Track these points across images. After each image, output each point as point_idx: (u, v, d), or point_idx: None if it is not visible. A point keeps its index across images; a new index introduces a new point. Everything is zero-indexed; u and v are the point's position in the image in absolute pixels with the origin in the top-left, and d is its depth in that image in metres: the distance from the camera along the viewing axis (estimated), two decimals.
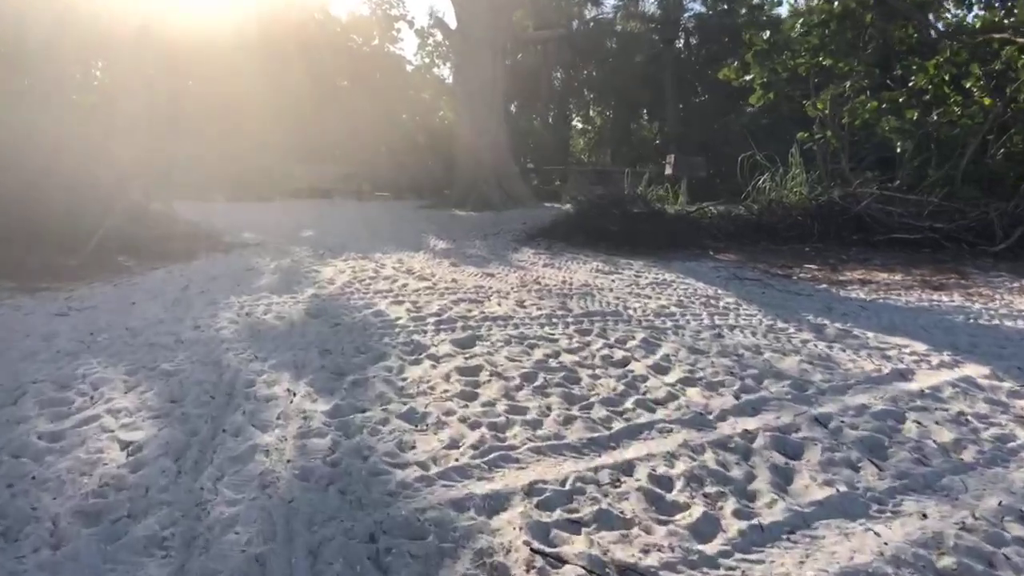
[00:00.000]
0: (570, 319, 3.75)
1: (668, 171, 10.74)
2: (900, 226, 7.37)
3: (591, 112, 30.71)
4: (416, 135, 26.05)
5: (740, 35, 24.02)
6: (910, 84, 9.45)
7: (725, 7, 25.96)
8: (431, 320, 3.60)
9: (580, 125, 31.78)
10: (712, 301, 4.38)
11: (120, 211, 5.51)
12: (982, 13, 8.63)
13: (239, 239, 7.01)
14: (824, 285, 5.18)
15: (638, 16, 27.84)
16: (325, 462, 1.94)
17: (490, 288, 4.58)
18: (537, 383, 2.67)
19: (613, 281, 4.99)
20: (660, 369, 2.94)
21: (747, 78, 8.80)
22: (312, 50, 20.19)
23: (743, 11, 24.88)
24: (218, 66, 16.83)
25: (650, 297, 4.46)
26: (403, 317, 3.66)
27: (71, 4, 9.05)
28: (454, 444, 2.09)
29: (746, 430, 2.27)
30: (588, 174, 13.72)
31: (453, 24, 12.98)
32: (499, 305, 4.03)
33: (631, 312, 3.97)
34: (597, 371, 2.87)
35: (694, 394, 2.62)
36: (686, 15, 26.82)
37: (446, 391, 2.55)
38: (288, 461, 1.93)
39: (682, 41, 27.36)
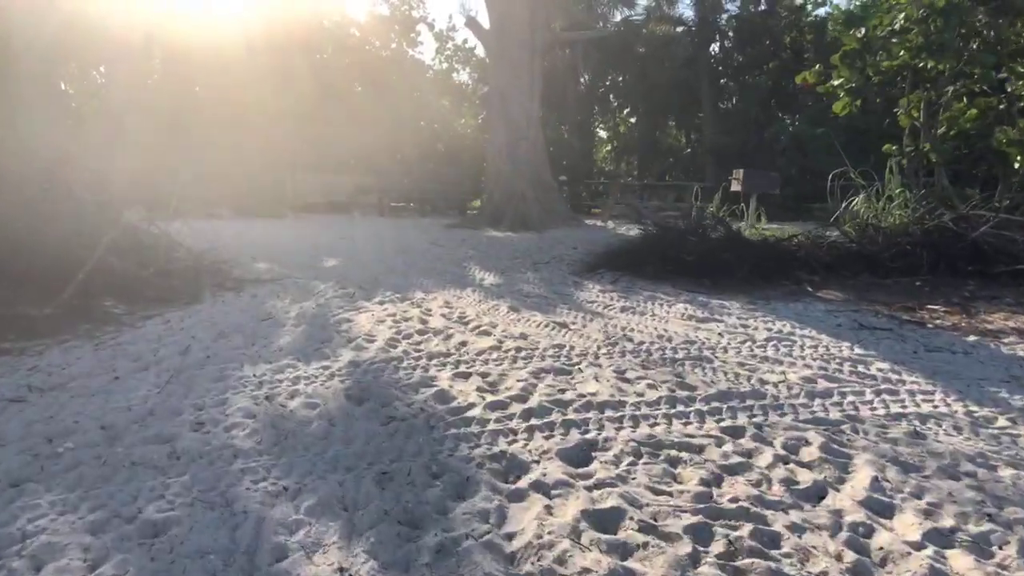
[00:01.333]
0: (700, 404, 2.87)
1: (735, 187, 9.84)
2: None
3: (615, 119, 29.95)
4: (436, 143, 25.44)
5: (782, 38, 23.27)
6: (1009, 90, 8.51)
7: (763, 8, 25.05)
8: (516, 409, 2.73)
9: (603, 134, 31.03)
10: (861, 368, 3.49)
11: (110, 242, 4.71)
12: None
13: (251, 271, 6.22)
14: (974, 337, 4.27)
15: (670, 19, 27.05)
16: None
17: (572, 348, 3.71)
18: (717, 548, 1.78)
19: (721, 336, 4.09)
20: (879, 508, 2.04)
21: (834, 84, 7.88)
22: (326, 55, 19.61)
23: (784, 13, 23.98)
24: (226, 72, 16.25)
25: (781, 362, 3.57)
26: (477, 404, 2.80)
27: (75, 8, 8.47)
28: None
29: None
30: (633, 188, 12.84)
31: (486, 24, 12.24)
32: (596, 380, 3.16)
33: (773, 391, 3.08)
34: (791, 514, 1.98)
35: (965, 567, 1.72)
36: (723, 16, 25.96)
37: (586, 573, 1.67)
38: None
39: (718, 45, 26.50)
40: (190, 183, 13.08)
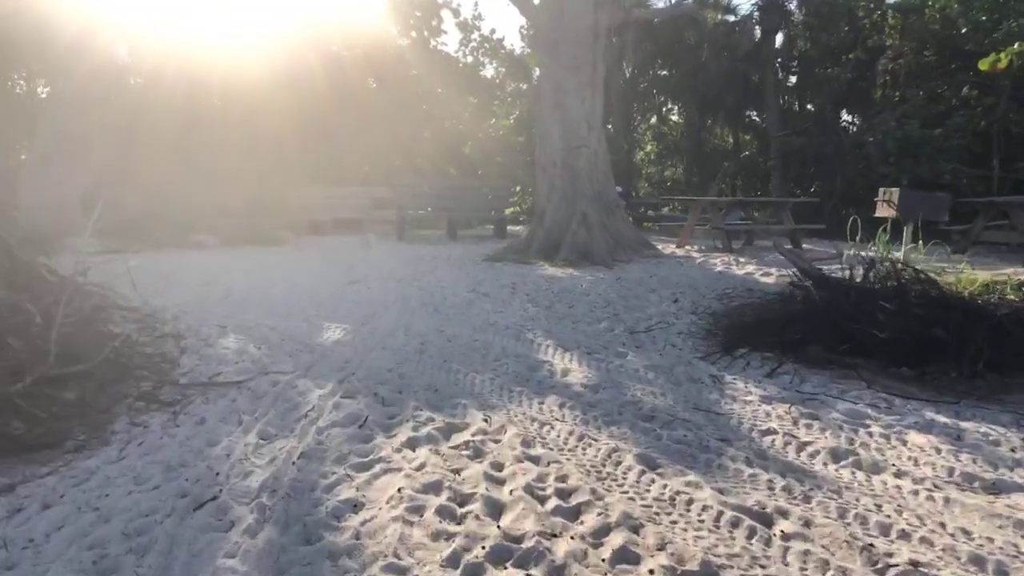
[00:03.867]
0: None
1: (884, 211, 7.85)
2: None
3: (655, 119, 28.12)
4: (461, 148, 23.76)
5: (861, 24, 21.10)
6: None
7: None
8: None
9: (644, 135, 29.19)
10: None
11: None
12: None
13: (210, 358, 4.42)
14: None
15: (724, 7, 25.16)
16: None
17: None
18: None
19: None
20: None
21: None
22: (335, 46, 18.05)
23: None
24: (218, 72, 14.70)
25: None
26: None
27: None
28: None
29: None
30: (720, 205, 10.90)
31: None
32: None
33: None
34: None
35: None
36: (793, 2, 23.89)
37: None
38: None
39: (783, 34, 24.38)
40: (162, 203, 11.46)
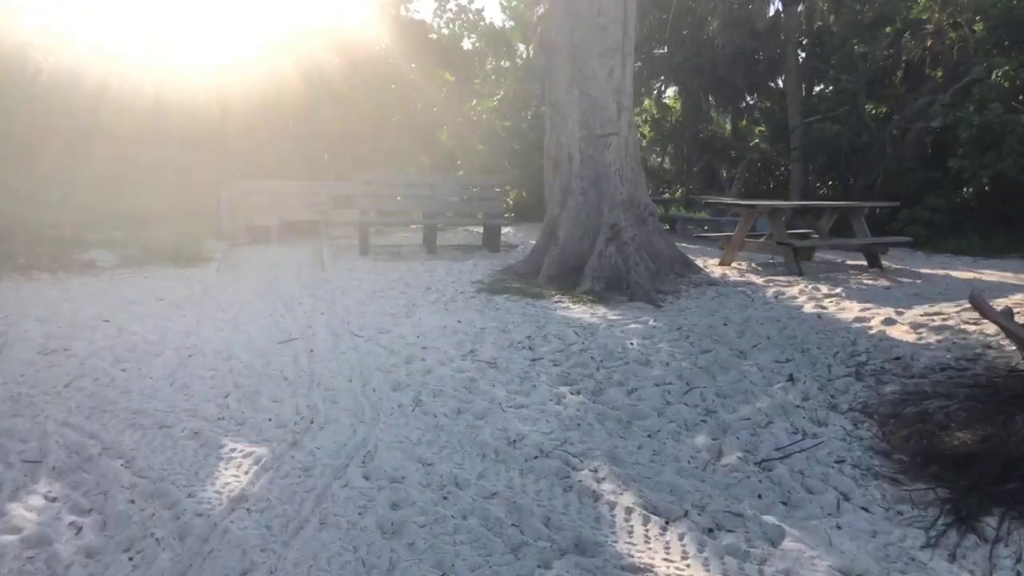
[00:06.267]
0: None
1: None
2: None
3: (647, 102, 26.39)
4: (436, 133, 21.65)
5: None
6: None
7: None
8: None
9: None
10: None
11: None
12: None
13: None
14: None
15: None
16: None
17: None
18: None
19: None
20: None
21: None
22: (279, 7, 15.80)
23: None
24: (135, 44, 12.47)
25: None
26: None
27: None
28: None
29: None
30: (783, 212, 8.97)
31: None
32: None
33: None
34: None
35: None
36: None
37: None
38: None
39: (804, 5, 22.52)
40: (28, 206, 9.22)
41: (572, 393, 4.34)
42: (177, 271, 8.67)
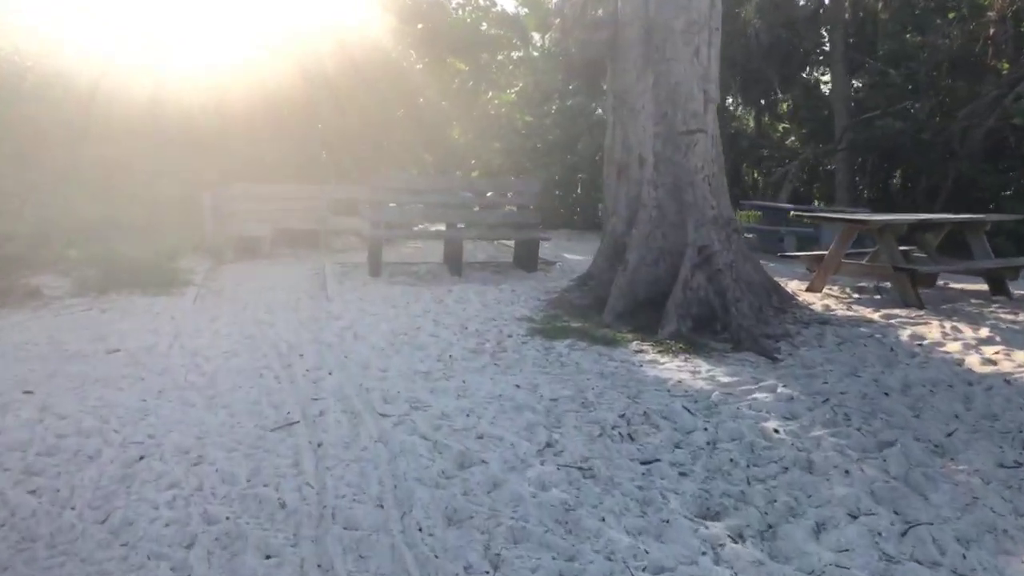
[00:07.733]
0: None
1: None
2: None
3: None
4: (446, 129, 20.07)
5: None
6: None
7: None
8: None
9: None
10: None
11: None
12: None
13: None
14: None
15: None
16: None
17: None
18: None
19: None
20: None
21: None
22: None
23: None
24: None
25: None
26: None
27: None
28: None
29: None
30: (899, 228, 7.40)
31: None
32: None
33: None
34: None
35: None
36: None
37: None
38: None
39: None
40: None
41: (731, 537, 2.78)
42: (145, 302, 7.07)
